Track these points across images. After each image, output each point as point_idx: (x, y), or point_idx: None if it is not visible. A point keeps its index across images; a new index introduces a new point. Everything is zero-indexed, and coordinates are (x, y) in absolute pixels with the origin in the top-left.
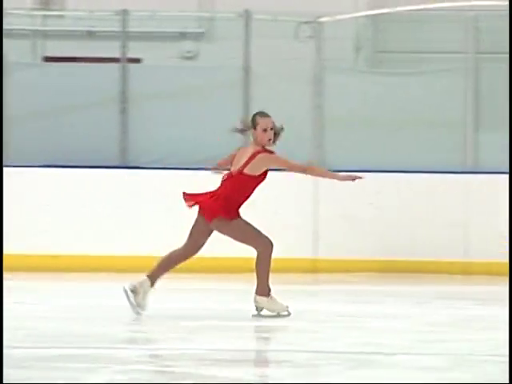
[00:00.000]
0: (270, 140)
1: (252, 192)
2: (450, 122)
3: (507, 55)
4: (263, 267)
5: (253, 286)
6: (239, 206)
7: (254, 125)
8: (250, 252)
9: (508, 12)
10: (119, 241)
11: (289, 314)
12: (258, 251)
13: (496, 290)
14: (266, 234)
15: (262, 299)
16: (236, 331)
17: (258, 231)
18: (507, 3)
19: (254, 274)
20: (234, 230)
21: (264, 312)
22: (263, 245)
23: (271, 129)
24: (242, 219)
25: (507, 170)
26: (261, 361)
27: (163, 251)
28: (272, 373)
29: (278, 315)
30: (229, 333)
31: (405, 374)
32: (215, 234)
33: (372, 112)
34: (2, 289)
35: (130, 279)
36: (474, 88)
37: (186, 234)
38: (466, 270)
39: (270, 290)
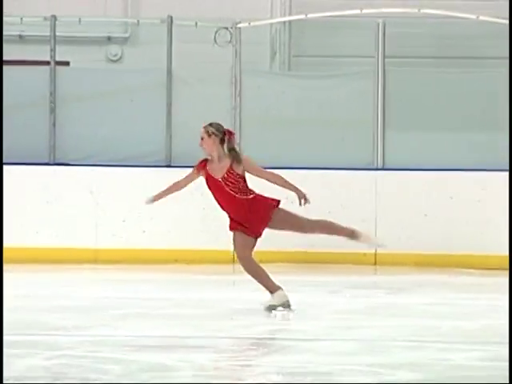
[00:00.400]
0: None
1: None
2: (360, 121)
3: (413, 59)
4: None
5: (180, 276)
6: None
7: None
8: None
9: (414, 19)
10: (47, 233)
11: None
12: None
13: (402, 279)
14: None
15: (272, 296)
16: (161, 319)
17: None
18: (413, 10)
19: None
20: None
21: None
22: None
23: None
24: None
25: (412, 167)
26: (184, 346)
27: (90, 244)
28: (194, 358)
29: (285, 306)
30: (154, 321)
31: (319, 359)
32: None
33: (287, 112)
34: (2, 289)
35: (58, 270)
36: (382, 90)
37: (113, 226)
38: (376, 261)
39: (277, 286)
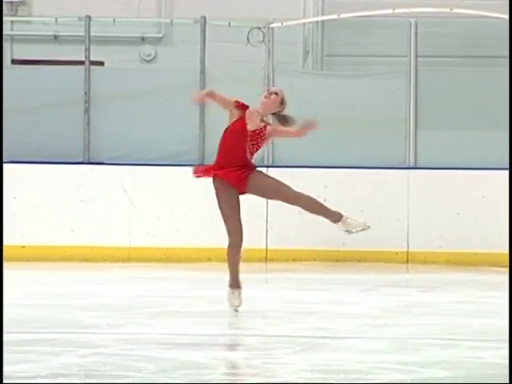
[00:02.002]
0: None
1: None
2: (392, 120)
3: (445, 58)
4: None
5: (212, 274)
6: None
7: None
8: (207, 242)
9: (446, 19)
10: (82, 232)
11: (236, 310)
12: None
13: (434, 277)
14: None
15: (227, 291)
16: (193, 317)
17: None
18: (446, 10)
19: (207, 265)
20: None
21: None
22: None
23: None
24: None
25: (444, 166)
26: (217, 344)
27: (123, 242)
28: (227, 356)
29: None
30: (187, 318)
31: (351, 356)
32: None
33: (320, 112)
34: (2, 290)
35: (92, 268)
36: (415, 89)
37: (147, 225)
38: (408, 260)
39: (238, 284)
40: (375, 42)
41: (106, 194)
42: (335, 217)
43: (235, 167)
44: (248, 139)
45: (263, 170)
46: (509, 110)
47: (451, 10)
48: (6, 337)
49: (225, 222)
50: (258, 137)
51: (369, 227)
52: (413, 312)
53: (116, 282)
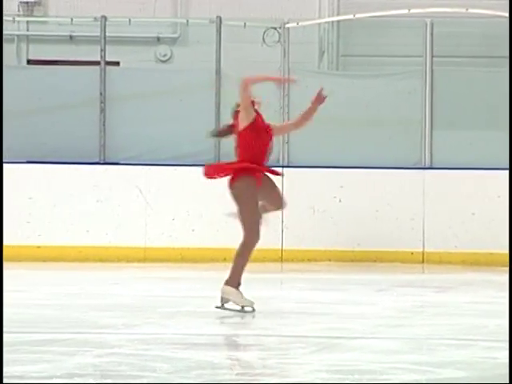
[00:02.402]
0: None
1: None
2: (408, 120)
3: (461, 58)
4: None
5: (226, 276)
6: None
7: None
8: (222, 242)
9: (462, 19)
10: (98, 232)
11: (253, 311)
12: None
13: (450, 278)
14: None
15: (231, 290)
16: (209, 317)
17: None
18: (461, 10)
19: (222, 265)
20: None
21: (229, 305)
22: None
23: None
24: None
25: (459, 166)
26: (232, 344)
27: (139, 242)
28: (242, 356)
29: (242, 310)
30: (202, 319)
31: (366, 357)
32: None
33: (335, 112)
34: (2, 290)
35: (108, 268)
36: (430, 89)
37: (163, 225)
38: (423, 260)
39: (239, 283)
40: (391, 42)
41: (121, 194)
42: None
43: (261, 165)
44: (270, 133)
45: (279, 169)
46: (509, 110)
47: (467, 10)
48: (21, 337)
49: (248, 219)
50: (270, 134)
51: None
52: (428, 312)
53: (131, 282)
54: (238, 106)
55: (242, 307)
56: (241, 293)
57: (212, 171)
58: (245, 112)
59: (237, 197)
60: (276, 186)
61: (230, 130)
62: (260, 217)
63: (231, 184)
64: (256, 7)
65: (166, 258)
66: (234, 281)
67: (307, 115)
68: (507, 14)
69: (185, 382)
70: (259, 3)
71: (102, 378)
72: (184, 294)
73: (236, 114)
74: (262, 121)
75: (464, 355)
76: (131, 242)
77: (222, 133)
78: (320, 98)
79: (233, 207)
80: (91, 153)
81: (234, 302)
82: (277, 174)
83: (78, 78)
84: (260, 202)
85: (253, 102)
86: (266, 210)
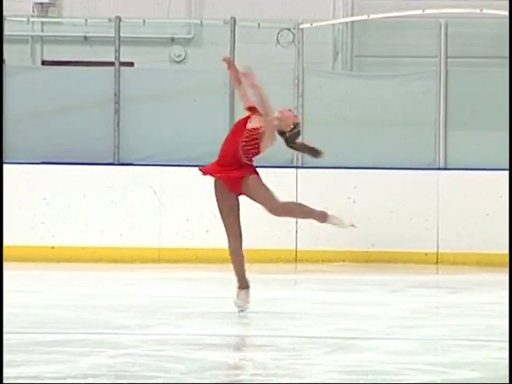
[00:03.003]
0: None
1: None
2: (422, 121)
3: (475, 59)
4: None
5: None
6: None
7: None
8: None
9: (476, 19)
10: (112, 233)
11: (241, 311)
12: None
13: (464, 278)
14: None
15: (240, 292)
16: (223, 318)
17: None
18: (475, 11)
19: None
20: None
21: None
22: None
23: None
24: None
25: (475, 167)
26: (246, 345)
27: (153, 243)
28: (256, 356)
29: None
30: (216, 319)
31: (380, 357)
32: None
33: (349, 112)
34: (2, 290)
35: (122, 269)
36: (445, 90)
37: (177, 226)
38: (438, 260)
39: (247, 284)
40: (405, 43)
41: (135, 195)
42: (321, 217)
43: (230, 166)
44: (242, 138)
45: (293, 171)
46: (509, 110)
47: (481, 10)
48: (36, 337)
49: (224, 223)
50: (253, 135)
51: (353, 226)
52: (442, 313)
53: (145, 282)
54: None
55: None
56: (241, 293)
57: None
58: (269, 133)
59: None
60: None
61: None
62: (229, 218)
63: (243, 176)
64: (270, 8)
65: (181, 259)
66: (240, 283)
67: (237, 79)
68: None
69: (199, 383)
70: (273, 4)
71: (116, 379)
72: (198, 294)
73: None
74: (240, 121)
75: (478, 356)
76: (145, 243)
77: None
78: (227, 61)
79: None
80: (105, 153)
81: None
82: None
83: (92, 79)
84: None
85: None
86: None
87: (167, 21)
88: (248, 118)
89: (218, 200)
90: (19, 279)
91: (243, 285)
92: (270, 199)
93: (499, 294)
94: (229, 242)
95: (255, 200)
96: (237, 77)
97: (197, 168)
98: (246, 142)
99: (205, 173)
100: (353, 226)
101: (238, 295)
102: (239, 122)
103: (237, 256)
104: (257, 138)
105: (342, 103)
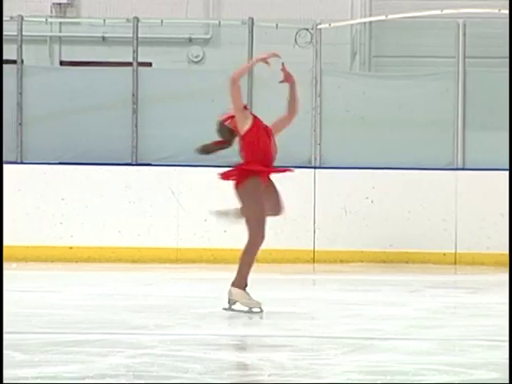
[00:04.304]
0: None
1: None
2: (440, 121)
3: (493, 59)
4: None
5: (260, 276)
6: None
7: None
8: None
9: (494, 19)
10: (130, 233)
11: (261, 311)
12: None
13: (482, 279)
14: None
15: (238, 292)
16: (241, 318)
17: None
18: (494, 11)
19: (255, 266)
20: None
21: (236, 306)
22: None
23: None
24: None
25: (493, 167)
26: (264, 345)
27: (171, 243)
28: (274, 357)
29: (250, 311)
30: (234, 320)
31: (398, 358)
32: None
33: (367, 112)
34: (2, 290)
35: (140, 269)
36: (463, 90)
37: (195, 226)
38: (456, 261)
39: (246, 284)
40: (423, 43)
41: (153, 195)
42: (240, 283)
43: (269, 167)
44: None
45: (310, 171)
46: (509, 110)
47: (499, 10)
48: (54, 338)
49: (253, 219)
50: (270, 135)
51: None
52: (460, 313)
53: (164, 283)
54: (223, 120)
55: (250, 308)
56: (248, 294)
57: (226, 175)
58: (239, 113)
59: (244, 196)
60: (277, 191)
61: (217, 145)
62: (265, 217)
63: (238, 183)
64: (288, 8)
65: (199, 259)
66: (240, 282)
67: (291, 98)
68: None
69: (217, 383)
70: (291, 4)
71: (134, 379)
72: (216, 294)
73: (230, 118)
74: (260, 121)
75: (496, 356)
76: (163, 243)
77: (208, 149)
78: (287, 76)
79: (220, 206)
80: (123, 154)
81: (242, 304)
82: (288, 170)
83: (110, 79)
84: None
85: (245, 107)
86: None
87: (185, 21)
88: (257, 119)
89: (260, 197)
90: (37, 279)
91: (246, 284)
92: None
93: None
94: (255, 239)
95: (270, 199)
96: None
97: (215, 168)
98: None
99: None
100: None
101: (249, 296)
102: (260, 123)
103: (254, 256)
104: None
105: (360, 103)
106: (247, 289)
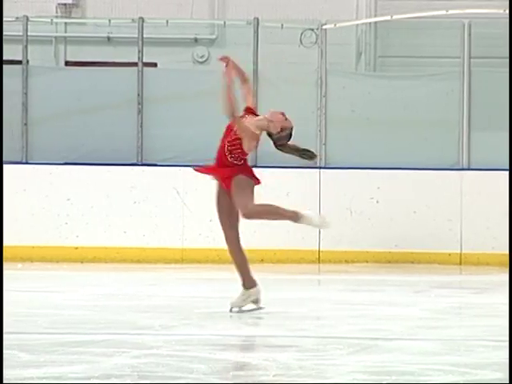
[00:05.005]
0: None
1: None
2: (445, 121)
3: (499, 60)
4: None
5: (265, 276)
6: None
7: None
8: (259, 244)
9: (499, 19)
10: (135, 233)
11: (234, 312)
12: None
13: (487, 279)
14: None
15: (253, 290)
16: (245, 318)
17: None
18: (499, 11)
19: (260, 266)
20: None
21: (248, 306)
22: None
23: None
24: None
25: (498, 167)
26: (269, 345)
27: (176, 244)
28: (279, 357)
29: (258, 307)
30: (240, 320)
31: (403, 358)
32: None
33: (372, 112)
34: (2, 289)
35: (145, 269)
36: (468, 90)
37: (200, 226)
38: (461, 261)
39: (254, 280)
40: (428, 43)
41: (158, 196)
42: (294, 218)
43: (221, 166)
44: (228, 138)
45: (316, 171)
46: (509, 110)
47: (504, 11)
48: (59, 338)
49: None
50: (237, 136)
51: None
52: (466, 313)
53: (169, 283)
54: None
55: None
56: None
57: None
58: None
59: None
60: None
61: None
62: (220, 215)
63: (231, 175)
64: (293, 8)
65: (204, 259)
66: (248, 281)
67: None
68: None
69: (222, 383)
70: (296, 4)
71: (139, 379)
72: (221, 295)
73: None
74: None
75: (502, 356)
76: (168, 243)
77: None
78: (225, 60)
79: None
80: (128, 154)
81: (252, 302)
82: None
83: (115, 80)
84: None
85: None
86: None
87: (190, 21)
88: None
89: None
90: (43, 280)
91: (252, 283)
92: (245, 205)
93: None
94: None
95: (233, 201)
96: (243, 75)
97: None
98: (229, 142)
99: (198, 171)
100: (325, 225)
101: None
102: (230, 123)
103: (236, 255)
104: (239, 139)
105: (366, 104)
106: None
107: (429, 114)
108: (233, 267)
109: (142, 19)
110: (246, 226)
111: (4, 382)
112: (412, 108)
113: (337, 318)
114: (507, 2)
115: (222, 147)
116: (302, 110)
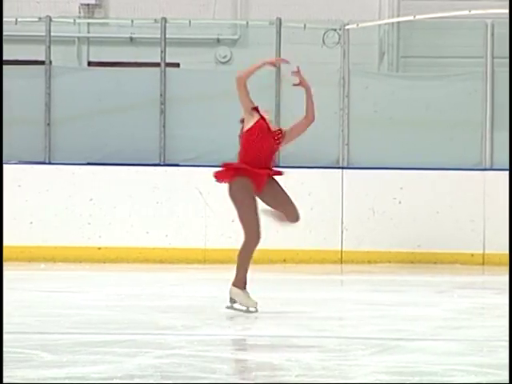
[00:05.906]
0: None
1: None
2: (468, 121)
3: None
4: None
5: (287, 276)
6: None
7: None
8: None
9: None
10: (157, 233)
11: (256, 311)
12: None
13: None
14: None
15: (237, 291)
16: (268, 319)
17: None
18: None
19: (282, 266)
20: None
21: (237, 305)
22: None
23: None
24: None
25: None
26: (291, 346)
27: (199, 244)
28: (302, 357)
29: (247, 310)
30: (261, 320)
31: (426, 358)
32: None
33: (395, 113)
34: (2, 288)
35: (167, 270)
36: (491, 90)
37: (222, 227)
38: (484, 261)
39: (245, 283)
40: (451, 44)
41: (181, 196)
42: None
43: (262, 168)
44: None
45: (338, 171)
46: (509, 110)
47: None
48: (82, 338)
49: (246, 220)
50: (278, 138)
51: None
52: (488, 314)
53: (191, 283)
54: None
55: (247, 308)
56: (246, 293)
57: (220, 176)
58: (247, 114)
59: (233, 198)
60: (288, 198)
61: None
62: (258, 217)
63: (229, 186)
64: (316, 9)
65: (226, 260)
66: (239, 281)
67: (308, 104)
68: None
69: (244, 383)
70: (319, 5)
71: (162, 379)
72: None
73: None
74: (267, 124)
75: None
76: (191, 244)
77: None
78: (302, 81)
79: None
80: (151, 154)
81: (240, 303)
82: (278, 173)
83: (138, 80)
84: (273, 210)
85: (256, 108)
86: (282, 221)
87: (213, 22)
88: (263, 119)
89: (250, 197)
90: (66, 280)
91: (245, 284)
92: (289, 202)
93: None
94: (250, 239)
95: (275, 201)
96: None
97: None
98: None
99: (226, 175)
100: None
101: (247, 295)
102: (263, 123)
103: (249, 256)
104: (279, 139)
105: (388, 104)
106: (247, 287)
107: (451, 114)
108: (255, 268)
109: (164, 19)
110: (268, 227)
111: (27, 382)
112: (435, 108)
113: (359, 318)
114: None
115: (268, 148)
116: (324, 110)
